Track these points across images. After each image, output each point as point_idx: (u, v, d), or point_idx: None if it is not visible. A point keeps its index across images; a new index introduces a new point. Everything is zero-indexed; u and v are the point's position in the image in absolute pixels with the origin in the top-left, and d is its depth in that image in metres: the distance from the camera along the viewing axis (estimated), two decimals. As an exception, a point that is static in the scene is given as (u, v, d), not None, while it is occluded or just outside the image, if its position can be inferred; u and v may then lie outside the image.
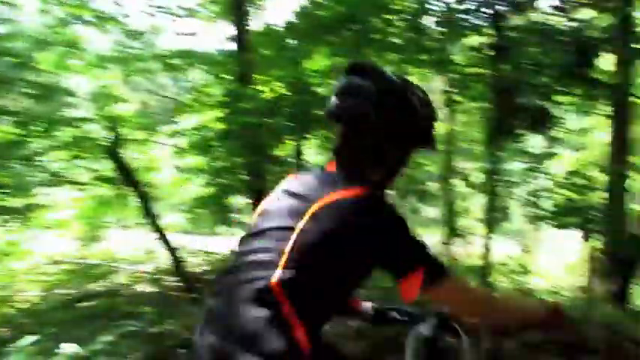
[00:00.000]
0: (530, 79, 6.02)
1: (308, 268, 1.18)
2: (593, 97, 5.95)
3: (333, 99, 1.35)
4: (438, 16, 5.73)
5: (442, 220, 11.28)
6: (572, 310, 6.91)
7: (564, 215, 6.34)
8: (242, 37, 7.30)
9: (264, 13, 10.72)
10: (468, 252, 11.59)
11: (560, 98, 6.14)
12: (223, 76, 6.90)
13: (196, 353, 1.26)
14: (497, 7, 5.32)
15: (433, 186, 10.91)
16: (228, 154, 7.53)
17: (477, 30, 5.68)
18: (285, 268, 1.17)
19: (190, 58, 6.41)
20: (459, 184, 13.27)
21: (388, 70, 1.43)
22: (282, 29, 6.17)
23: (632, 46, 5.40)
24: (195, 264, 9.79)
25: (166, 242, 5.97)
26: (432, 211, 21.13)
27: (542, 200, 7.04)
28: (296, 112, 7.06)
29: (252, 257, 1.25)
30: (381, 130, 1.30)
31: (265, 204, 1.41)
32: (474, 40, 6.17)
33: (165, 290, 7.94)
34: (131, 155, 9.28)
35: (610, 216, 5.71)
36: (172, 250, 6.08)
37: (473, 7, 5.39)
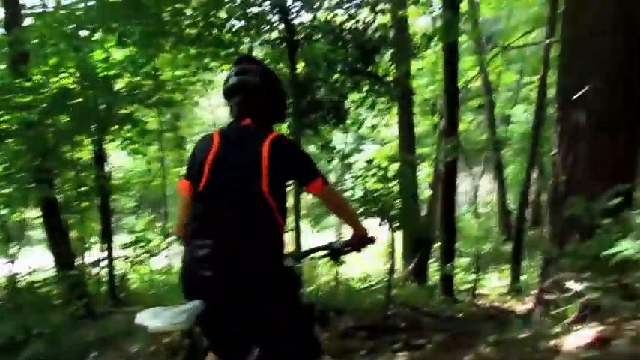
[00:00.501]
0: (323, 75, 6.32)
1: (275, 180, 1.80)
2: (379, 92, 6.49)
3: (233, 78, 1.94)
4: (232, 11, 5.63)
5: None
6: (377, 293, 7.55)
7: (365, 204, 6.72)
8: (14, 20, 6.32)
9: None
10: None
11: (351, 94, 6.54)
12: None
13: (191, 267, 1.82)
14: (287, 3, 5.41)
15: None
16: (7, 158, 6.43)
17: (270, 25, 5.74)
18: (266, 181, 1.76)
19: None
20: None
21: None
22: (62, 13, 5.44)
23: (406, 44, 5.99)
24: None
25: None
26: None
27: (347, 193, 7.43)
28: (90, 109, 6.39)
29: (234, 175, 1.81)
30: (268, 94, 1.97)
31: (216, 155, 1.86)
32: (272, 35, 6.24)
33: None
34: None
35: (403, 202, 6.26)
36: None
37: (263, 2, 5.39)
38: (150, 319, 1.60)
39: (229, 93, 1.96)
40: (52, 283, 5.04)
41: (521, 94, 15.20)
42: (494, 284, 9.44)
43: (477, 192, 16.58)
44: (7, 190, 6.32)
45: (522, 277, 8.60)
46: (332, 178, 7.73)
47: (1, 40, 6.34)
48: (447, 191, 7.05)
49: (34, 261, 5.51)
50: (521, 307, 6.21)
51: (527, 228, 10.28)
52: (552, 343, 2.50)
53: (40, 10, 7.09)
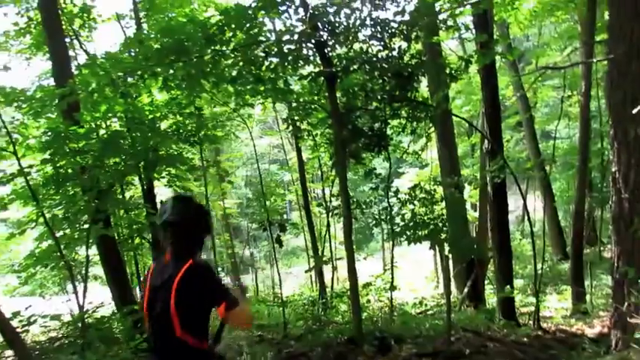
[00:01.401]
0: (362, 104, 6.34)
1: (184, 302, 2.12)
2: (418, 118, 6.45)
3: (168, 214, 2.24)
4: (267, 48, 5.77)
5: (308, 247, 11.49)
6: (436, 318, 7.34)
7: (414, 229, 6.59)
8: (63, 71, 6.68)
9: (87, 45, 10.17)
10: (336, 275, 11.85)
11: (391, 121, 6.53)
12: (46, 114, 6.14)
13: None
14: (321, 37, 5.50)
15: (295, 215, 11.09)
16: (63, 201, 6.69)
17: (306, 60, 5.84)
18: (173, 301, 2.12)
19: (0, 94, 5.62)
20: (318, 211, 13.71)
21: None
22: (106, 62, 5.71)
23: (441, 69, 5.96)
24: (41, 331, 8.56)
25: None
26: (298, 240, 21.54)
27: (395, 217, 7.33)
28: (138, 150, 6.63)
29: (157, 297, 2.21)
30: (197, 227, 2.34)
31: (150, 282, 2.30)
32: (308, 69, 6.35)
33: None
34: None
35: (452, 225, 6.13)
36: (5, 326, 5.07)
37: (297, 38, 5.49)
38: None
39: (163, 226, 2.31)
40: (117, 320, 5.14)
41: (559, 110, 14.83)
42: (554, 306, 9.01)
43: (525, 210, 16.10)
44: (67, 231, 6.51)
45: (586, 299, 8.18)
46: (375, 207, 7.66)
47: (51, 91, 6.70)
48: (499, 212, 6.87)
49: (93, 297, 5.64)
50: (590, 330, 5.88)
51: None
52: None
53: (87, 60, 7.49)
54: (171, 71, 5.83)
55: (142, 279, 9.50)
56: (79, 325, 4.68)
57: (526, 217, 15.06)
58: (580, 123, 8.79)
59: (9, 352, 6.85)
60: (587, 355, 3.02)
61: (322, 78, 5.89)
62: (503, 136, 10.15)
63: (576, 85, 13.74)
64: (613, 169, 3.84)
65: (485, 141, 7.43)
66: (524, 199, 8.10)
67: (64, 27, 7.75)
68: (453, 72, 6.10)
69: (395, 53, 5.86)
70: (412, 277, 15.86)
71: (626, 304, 3.03)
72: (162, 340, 2.19)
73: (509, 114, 16.98)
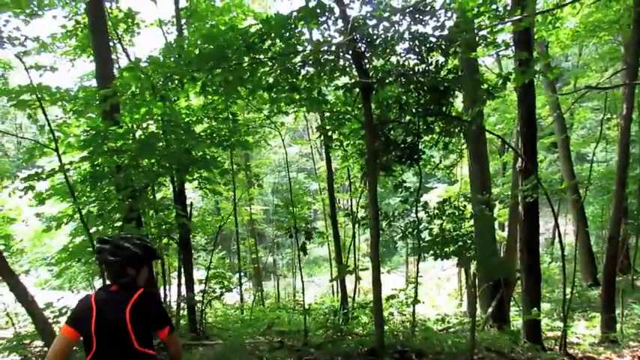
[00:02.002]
0: (396, 116, 6.36)
1: (142, 335, 2.47)
2: (451, 133, 6.43)
3: (105, 254, 2.54)
4: (305, 57, 5.86)
5: (331, 257, 11.50)
6: (458, 336, 7.24)
7: (441, 245, 6.54)
8: (105, 73, 6.92)
9: (128, 49, 10.51)
10: (359, 287, 11.80)
11: (424, 135, 6.52)
12: (87, 114, 6.37)
13: None
14: (359, 49, 5.56)
15: (320, 224, 11.14)
16: (99, 198, 6.91)
17: (342, 70, 5.90)
18: (134, 337, 2.44)
19: (46, 94, 5.85)
20: (344, 221, 13.71)
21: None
22: (148, 66, 5.91)
23: (478, 85, 5.93)
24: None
25: (27, 302, 5.13)
26: (320, 250, 21.54)
27: (422, 231, 7.29)
28: (172, 152, 6.80)
29: (114, 335, 2.46)
30: (137, 263, 2.59)
31: (97, 320, 2.46)
32: (343, 80, 6.41)
33: (30, 357, 7.01)
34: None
35: (481, 243, 6.06)
36: (35, 311, 5.26)
37: (335, 49, 5.57)
38: None
39: (104, 263, 2.59)
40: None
41: (596, 132, 14.49)
42: (582, 333, 8.76)
43: (555, 233, 15.71)
44: (100, 228, 6.68)
45: (616, 328, 7.92)
46: (401, 220, 7.63)
47: (94, 92, 6.96)
48: (529, 232, 6.74)
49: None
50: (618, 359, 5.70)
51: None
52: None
53: (129, 63, 7.75)
54: (210, 77, 5.99)
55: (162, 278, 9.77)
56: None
57: (557, 240, 14.73)
58: (619, 146, 8.57)
59: (38, 342, 7.10)
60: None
61: (357, 89, 5.94)
62: (537, 156, 10.01)
63: (616, 107, 13.43)
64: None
65: (519, 159, 7.33)
66: (556, 221, 7.92)
67: (108, 31, 8.05)
68: (490, 89, 6.06)
69: (432, 67, 5.87)
70: (435, 294, 15.68)
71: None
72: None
73: (544, 134, 16.71)
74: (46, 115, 6.09)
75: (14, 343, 6.28)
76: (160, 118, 6.84)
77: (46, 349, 5.68)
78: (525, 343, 6.65)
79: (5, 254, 6.12)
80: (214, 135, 7.73)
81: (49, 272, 11.32)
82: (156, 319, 2.52)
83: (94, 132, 6.20)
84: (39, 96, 5.85)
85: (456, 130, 6.55)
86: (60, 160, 5.99)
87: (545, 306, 10.10)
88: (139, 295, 2.48)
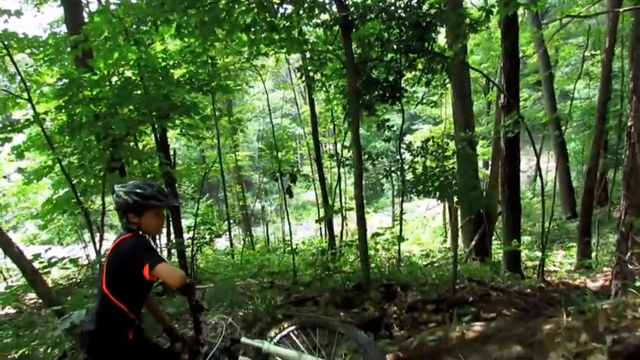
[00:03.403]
0: (378, 54, 6.26)
1: (113, 279, 2.54)
2: (434, 70, 6.37)
3: (116, 199, 2.63)
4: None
5: (319, 201, 11.65)
6: (442, 269, 7.52)
7: (424, 182, 6.63)
8: (75, 18, 6.63)
9: None
10: (346, 228, 12.06)
11: (406, 72, 6.46)
12: (59, 62, 6.15)
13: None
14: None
15: (306, 170, 11.20)
16: (78, 148, 6.81)
17: (322, 7, 5.73)
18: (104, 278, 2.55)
19: (13, 40, 5.62)
20: (330, 164, 13.80)
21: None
22: (119, 8, 5.66)
23: (461, 20, 5.82)
24: (60, 275, 8.93)
25: (15, 254, 5.15)
26: (308, 195, 21.78)
27: (406, 170, 7.37)
28: (151, 98, 6.67)
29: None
30: (134, 210, 2.60)
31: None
32: (324, 17, 6.23)
33: (24, 309, 7.14)
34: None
35: (463, 179, 6.16)
36: (24, 262, 5.30)
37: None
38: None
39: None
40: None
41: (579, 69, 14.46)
42: (559, 261, 9.17)
43: (537, 168, 16.04)
44: (83, 179, 6.62)
45: (592, 255, 8.29)
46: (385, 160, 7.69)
47: (64, 38, 6.68)
48: (510, 167, 6.87)
49: (108, 246, 5.85)
50: (593, 284, 6.01)
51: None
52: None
53: (99, 7, 7.42)
54: (185, 18, 5.78)
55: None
56: (97, 267, 4.87)
57: (538, 176, 15.06)
58: (601, 80, 8.61)
59: (32, 295, 7.21)
60: (589, 301, 3.12)
61: (338, 26, 5.80)
62: (521, 95, 10.05)
63: (600, 43, 13.33)
64: (629, 123, 3.82)
65: (502, 95, 7.34)
66: (538, 156, 8.07)
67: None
68: (473, 23, 5.96)
69: (414, 2, 5.73)
70: (420, 232, 16.11)
71: (628, 254, 3.10)
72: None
73: (528, 72, 16.61)
74: (15, 63, 5.89)
75: (8, 296, 6.40)
76: (135, 63, 6.65)
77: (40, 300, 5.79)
78: (505, 273, 6.95)
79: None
80: (193, 80, 7.56)
81: (37, 227, 11.34)
82: (127, 260, 2.47)
83: (67, 80, 6.03)
84: (5, 43, 5.63)
85: (439, 67, 6.49)
86: (34, 109, 5.85)
87: (525, 239, 10.47)
88: (122, 238, 2.53)
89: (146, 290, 2.68)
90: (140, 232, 2.60)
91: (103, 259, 5.05)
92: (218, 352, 2.66)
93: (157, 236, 9.30)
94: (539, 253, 7.95)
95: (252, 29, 6.09)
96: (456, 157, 6.93)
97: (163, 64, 6.95)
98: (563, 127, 14.08)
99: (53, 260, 5.39)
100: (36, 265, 5.32)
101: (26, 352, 4.35)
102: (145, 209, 2.61)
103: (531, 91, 18.74)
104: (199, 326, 2.73)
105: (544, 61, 14.32)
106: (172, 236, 7.96)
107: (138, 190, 2.61)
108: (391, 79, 6.59)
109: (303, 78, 7.65)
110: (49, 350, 4.42)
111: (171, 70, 7.26)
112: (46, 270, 5.40)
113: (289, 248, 8.78)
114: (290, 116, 23.82)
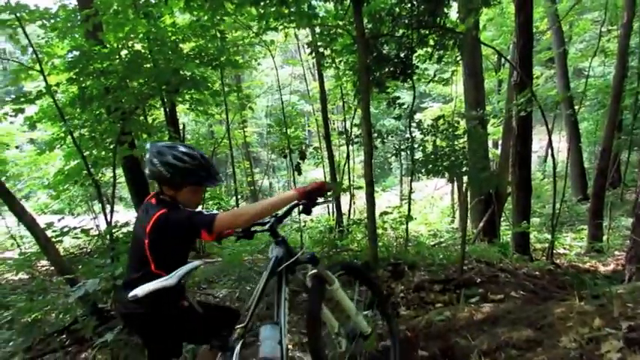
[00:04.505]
0: (389, 30, 6.11)
1: (166, 257, 2.22)
2: (445, 46, 6.21)
3: (150, 167, 2.31)
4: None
5: (327, 179, 11.58)
6: (449, 250, 7.50)
7: (434, 162, 6.54)
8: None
9: None
10: (354, 206, 12.03)
11: (418, 49, 6.31)
12: (70, 34, 6.09)
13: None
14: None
15: (314, 145, 11.12)
16: (89, 120, 6.80)
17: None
18: (147, 242, 2.22)
19: (25, 12, 5.55)
20: (338, 141, 13.69)
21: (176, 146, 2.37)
22: (130, -20, 5.55)
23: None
24: (71, 244, 9.07)
25: (28, 220, 5.20)
26: (316, 172, 21.73)
27: (415, 149, 7.27)
28: (160, 72, 6.59)
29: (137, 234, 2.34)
30: (170, 183, 2.32)
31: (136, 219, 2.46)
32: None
33: (37, 275, 7.28)
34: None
35: (473, 158, 6.07)
36: (36, 229, 5.34)
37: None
38: (141, 289, 2.03)
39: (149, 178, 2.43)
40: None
41: (595, 46, 14.06)
42: (568, 244, 9.08)
43: (548, 150, 15.81)
44: (94, 151, 6.65)
45: (603, 239, 8.19)
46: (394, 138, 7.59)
47: (74, 10, 6.59)
48: (522, 146, 6.75)
49: (117, 218, 5.88)
50: (604, 268, 5.95)
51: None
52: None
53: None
54: (195, -11, 5.67)
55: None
56: (108, 237, 4.91)
57: (549, 155, 14.86)
58: (617, 57, 8.36)
59: (44, 262, 7.31)
60: (598, 285, 3.07)
61: (349, 1, 5.64)
62: (534, 72, 9.82)
63: (617, 18, 12.94)
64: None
65: (514, 73, 7.16)
66: (550, 136, 7.91)
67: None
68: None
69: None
70: (428, 212, 16.05)
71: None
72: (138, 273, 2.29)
73: (540, 48, 16.22)
74: (27, 35, 5.83)
75: (21, 262, 6.51)
76: (145, 36, 6.57)
77: (52, 267, 5.87)
78: (514, 255, 6.90)
79: (2, 179, 6.12)
80: (203, 54, 7.47)
81: (49, 196, 11.46)
82: (177, 235, 2.21)
83: (78, 53, 5.98)
84: (17, 15, 5.56)
85: (451, 43, 6.32)
86: (46, 81, 5.82)
87: (535, 220, 10.38)
88: (158, 216, 2.20)
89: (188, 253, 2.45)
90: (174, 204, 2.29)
91: (113, 231, 5.12)
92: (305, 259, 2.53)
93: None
94: (548, 236, 7.88)
95: (262, 3, 5.98)
96: (467, 136, 6.83)
97: (173, 37, 6.86)
98: (576, 106, 13.81)
99: (65, 229, 5.44)
100: (48, 233, 5.39)
101: (38, 317, 4.45)
102: (182, 185, 2.31)
103: (543, 69, 18.35)
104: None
105: (558, 38, 13.95)
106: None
107: (177, 163, 2.28)
108: (402, 55, 6.44)
109: (313, 54, 7.50)
110: (60, 316, 4.51)
111: (181, 44, 7.17)
112: (58, 239, 5.46)
113: (297, 225, 8.78)
114: (298, 92, 23.60)
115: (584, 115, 17.16)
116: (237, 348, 2.11)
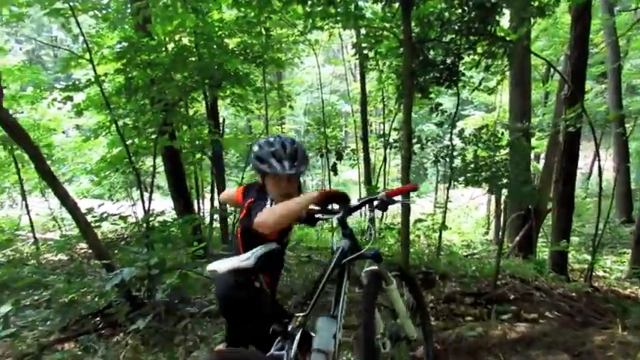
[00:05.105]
0: (437, 35, 6.02)
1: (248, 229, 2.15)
2: (494, 54, 6.06)
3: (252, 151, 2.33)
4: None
5: (361, 180, 11.56)
6: (483, 262, 7.34)
7: (474, 171, 6.42)
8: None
9: None
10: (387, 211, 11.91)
11: (465, 56, 6.19)
12: (120, 26, 6.28)
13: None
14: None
15: (351, 146, 11.10)
16: (134, 110, 6.99)
17: (383, -18, 5.54)
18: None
19: (78, 2, 5.75)
20: (375, 144, 13.60)
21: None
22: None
23: (528, 2, 5.49)
24: (109, 229, 9.35)
25: (70, 205, 5.40)
26: (351, 173, 21.68)
27: (455, 157, 7.15)
28: (204, 66, 6.72)
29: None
30: (255, 168, 2.31)
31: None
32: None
33: (76, 258, 7.54)
34: (19, 113, 8.54)
35: (515, 171, 5.92)
36: (77, 212, 5.54)
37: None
38: (219, 264, 2.02)
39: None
40: (175, 225, 5.51)
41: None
42: (609, 267, 8.73)
43: (593, 168, 15.24)
44: (136, 140, 6.83)
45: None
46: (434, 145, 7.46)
47: (125, 2, 6.80)
48: (568, 162, 6.52)
49: (154, 206, 6.03)
50: (644, 294, 5.69)
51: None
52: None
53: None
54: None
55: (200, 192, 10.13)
56: (145, 225, 5.03)
57: (594, 175, 14.31)
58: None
59: (83, 245, 7.56)
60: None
61: (397, 3, 5.59)
62: (585, 85, 9.45)
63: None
64: None
65: (565, 86, 6.93)
66: (598, 154, 7.60)
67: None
68: (542, 6, 5.60)
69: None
70: (462, 222, 15.75)
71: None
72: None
73: (593, 62, 15.64)
74: (79, 24, 6.04)
75: (62, 244, 6.77)
76: (192, 30, 6.71)
77: (90, 250, 6.07)
78: (550, 273, 6.67)
79: (48, 162, 6.38)
80: (247, 50, 7.57)
81: (90, 181, 11.86)
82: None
83: (127, 44, 6.16)
84: (71, 4, 5.77)
85: (500, 52, 6.17)
86: (94, 70, 6.01)
87: (574, 239, 10.01)
88: (248, 204, 2.21)
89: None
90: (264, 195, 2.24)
91: (150, 219, 5.26)
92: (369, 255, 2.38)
93: (201, 201, 9.55)
94: (587, 256, 7.60)
95: (309, 2, 5.99)
96: (510, 147, 6.65)
97: (219, 32, 6.97)
98: (627, 125, 13.25)
99: (104, 215, 5.62)
100: (88, 218, 5.58)
101: (75, 298, 4.62)
102: (263, 174, 2.27)
103: (594, 83, 17.69)
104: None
105: (613, 52, 13.40)
106: (216, 202, 8.12)
107: (257, 151, 2.25)
108: (449, 61, 6.33)
109: (356, 55, 7.48)
110: (95, 299, 4.67)
111: (226, 40, 7.29)
112: (97, 224, 5.65)
113: (328, 225, 8.78)
114: (338, 92, 23.58)
115: (636, 134, 16.46)
116: (298, 336, 2.06)
